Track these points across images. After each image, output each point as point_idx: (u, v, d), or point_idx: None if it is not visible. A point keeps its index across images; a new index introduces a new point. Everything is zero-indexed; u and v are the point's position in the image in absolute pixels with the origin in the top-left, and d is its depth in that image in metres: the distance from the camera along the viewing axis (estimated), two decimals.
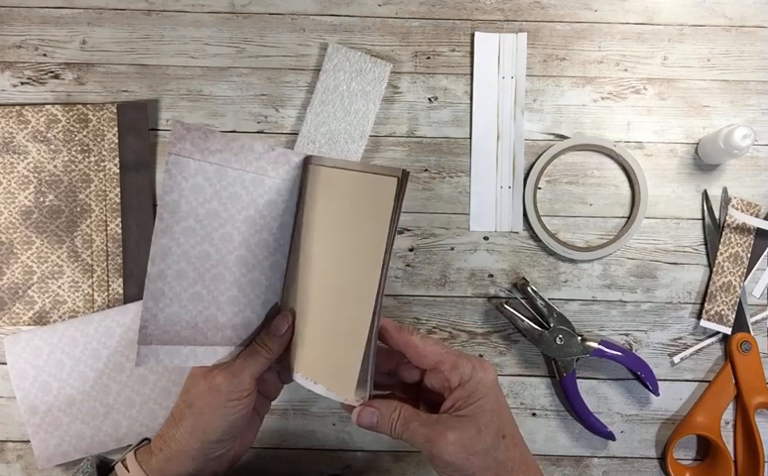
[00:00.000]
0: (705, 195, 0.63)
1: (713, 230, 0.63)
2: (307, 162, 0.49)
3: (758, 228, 0.62)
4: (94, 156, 0.62)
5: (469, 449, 0.42)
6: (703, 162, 0.63)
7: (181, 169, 0.44)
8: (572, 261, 0.63)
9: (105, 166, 0.62)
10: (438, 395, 0.46)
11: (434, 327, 0.63)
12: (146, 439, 0.50)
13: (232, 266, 0.48)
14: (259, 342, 0.48)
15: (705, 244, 0.63)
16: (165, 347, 0.45)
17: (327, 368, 0.47)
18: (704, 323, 0.62)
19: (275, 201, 0.48)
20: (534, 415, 0.63)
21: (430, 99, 0.64)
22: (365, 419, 0.44)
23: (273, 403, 0.52)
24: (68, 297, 0.62)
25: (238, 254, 0.48)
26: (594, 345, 0.60)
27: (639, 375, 0.61)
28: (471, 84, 0.64)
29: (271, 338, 0.48)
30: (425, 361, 0.45)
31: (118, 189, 0.62)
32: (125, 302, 0.62)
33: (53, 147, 0.62)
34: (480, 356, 0.63)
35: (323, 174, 0.47)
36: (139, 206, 0.63)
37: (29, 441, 0.60)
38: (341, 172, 0.46)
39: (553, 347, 0.61)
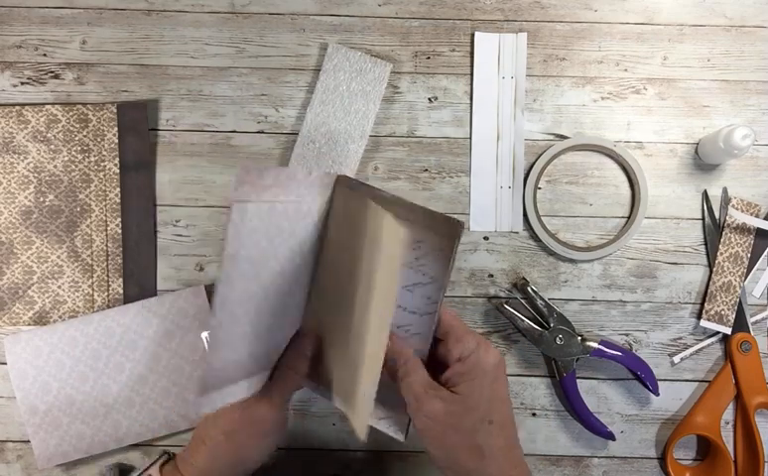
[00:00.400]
0: (705, 195, 0.63)
1: (713, 230, 0.63)
2: (337, 181, 0.49)
3: (758, 228, 0.62)
4: (94, 156, 0.62)
5: (450, 424, 0.43)
6: (703, 162, 0.63)
7: (242, 215, 0.43)
8: (572, 261, 0.63)
9: (105, 166, 0.62)
10: (443, 365, 0.46)
11: None
12: (165, 453, 0.51)
13: (271, 296, 0.47)
14: (290, 365, 0.48)
15: (705, 244, 0.63)
16: (218, 391, 0.45)
17: (347, 392, 0.47)
18: (703, 323, 0.62)
19: (308, 225, 0.48)
20: (534, 415, 0.63)
21: (430, 99, 0.64)
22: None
23: None
24: (68, 297, 0.62)
25: (277, 284, 0.48)
26: (594, 345, 0.60)
27: (639, 375, 0.61)
28: (471, 84, 0.64)
29: (299, 359, 0.48)
30: (439, 327, 0.45)
31: (118, 189, 0.62)
32: (125, 302, 0.62)
33: (53, 147, 0.62)
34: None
35: (372, 208, 0.45)
36: (139, 206, 0.63)
37: (29, 441, 0.60)
38: (394, 207, 0.45)
39: (553, 347, 0.61)
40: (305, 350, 0.48)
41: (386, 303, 0.42)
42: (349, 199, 0.48)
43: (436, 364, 0.47)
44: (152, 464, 0.50)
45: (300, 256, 0.49)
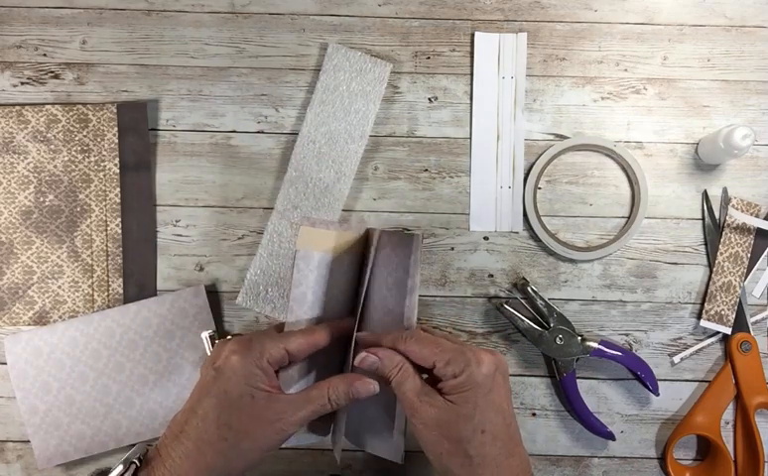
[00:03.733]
0: (705, 195, 0.63)
1: (713, 230, 0.63)
2: (370, 230, 0.52)
3: (758, 228, 0.62)
4: (94, 156, 0.62)
5: (443, 432, 0.43)
6: (703, 162, 0.63)
7: (307, 262, 0.47)
8: (572, 261, 0.63)
9: (105, 166, 0.62)
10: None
11: (434, 327, 0.63)
12: (131, 462, 0.45)
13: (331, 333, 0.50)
14: (333, 400, 0.46)
15: (705, 244, 0.63)
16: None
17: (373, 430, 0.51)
18: (703, 323, 0.62)
19: (348, 270, 0.51)
20: (534, 415, 0.63)
21: (430, 99, 0.64)
22: (366, 364, 0.45)
23: None
24: (68, 297, 0.62)
25: (334, 322, 0.50)
26: (594, 345, 0.60)
27: (639, 375, 0.61)
28: (471, 84, 0.64)
29: (347, 398, 0.46)
30: (422, 363, 0.45)
31: (118, 189, 0.62)
32: (125, 302, 0.62)
33: (53, 147, 0.62)
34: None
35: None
36: (139, 206, 0.63)
37: (29, 441, 0.60)
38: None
39: (553, 347, 0.61)
40: (358, 393, 0.46)
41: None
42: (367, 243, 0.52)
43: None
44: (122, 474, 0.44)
45: (352, 290, 0.52)
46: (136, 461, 0.44)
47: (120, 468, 0.44)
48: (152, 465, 0.44)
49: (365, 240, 0.52)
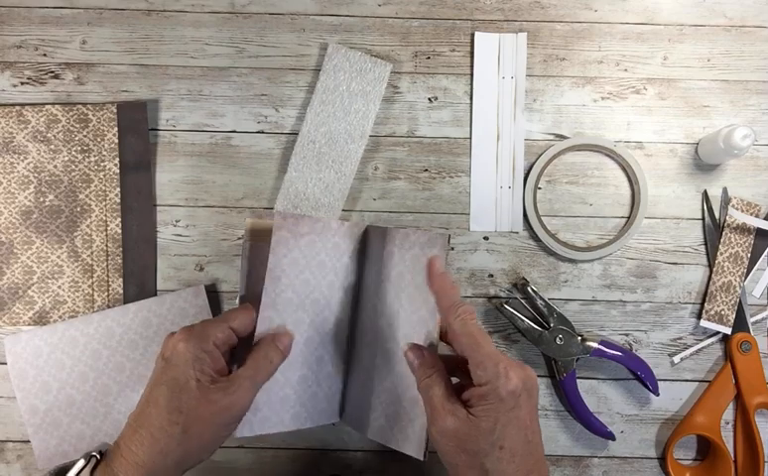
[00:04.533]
0: (705, 195, 0.63)
1: (713, 230, 0.63)
2: (368, 228, 0.54)
3: (758, 228, 0.62)
4: (94, 156, 0.62)
5: (460, 443, 0.43)
6: (703, 162, 0.63)
7: (282, 247, 0.48)
8: (572, 261, 0.63)
9: (105, 166, 0.62)
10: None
11: None
12: (92, 456, 0.46)
13: (319, 327, 0.52)
14: (263, 357, 0.47)
15: (705, 244, 0.63)
16: (254, 414, 0.48)
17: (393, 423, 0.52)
18: (703, 323, 0.62)
19: (346, 264, 0.53)
20: None
21: (430, 99, 0.64)
22: (410, 358, 0.47)
23: None
24: (68, 297, 0.62)
25: (324, 316, 0.52)
26: (594, 345, 0.60)
27: (639, 375, 0.61)
28: (471, 84, 0.64)
29: (277, 354, 0.48)
30: (460, 352, 0.45)
31: (118, 189, 0.62)
32: (125, 302, 0.62)
33: (53, 147, 0.62)
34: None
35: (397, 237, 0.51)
36: (139, 206, 0.63)
37: (29, 441, 0.60)
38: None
39: (553, 347, 0.61)
40: (282, 343, 0.48)
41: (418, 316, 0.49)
42: (375, 240, 0.53)
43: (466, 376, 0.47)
44: (79, 472, 0.45)
45: (342, 291, 0.53)
46: (96, 455, 0.46)
47: (81, 462, 0.46)
48: (111, 457, 0.45)
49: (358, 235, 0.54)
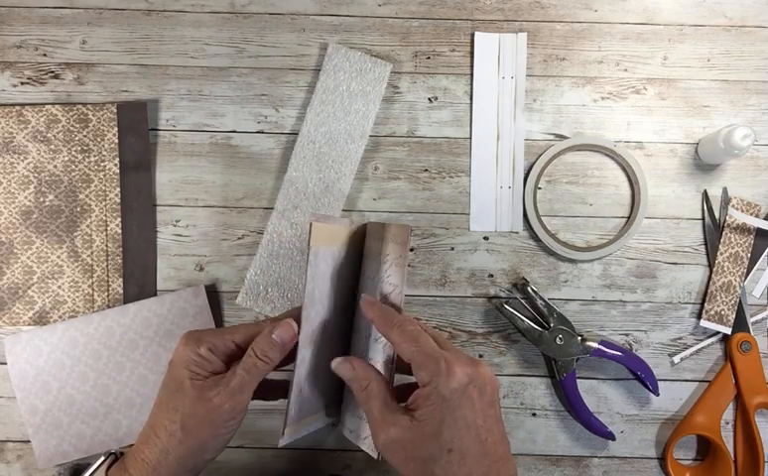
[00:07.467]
0: (705, 195, 0.63)
1: (713, 230, 0.63)
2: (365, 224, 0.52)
3: (758, 228, 0.62)
4: (94, 156, 0.62)
5: (407, 453, 0.41)
6: (703, 162, 0.63)
7: (318, 259, 0.47)
8: (572, 261, 0.63)
9: (105, 166, 0.62)
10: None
11: (434, 328, 0.63)
12: (111, 453, 0.48)
13: (332, 331, 0.50)
14: (260, 355, 0.45)
15: (705, 244, 0.63)
16: (296, 423, 0.47)
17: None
18: (703, 323, 0.62)
19: (344, 264, 0.51)
20: (534, 415, 0.63)
21: (430, 99, 0.64)
22: (341, 373, 0.46)
23: (273, 403, 0.52)
24: (68, 297, 0.62)
25: (339, 322, 0.51)
26: (594, 345, 0.60)
27: (639, 375, 0.61)
28: (471, 84, 0.64)
29: (273, 348, 0.46)
30: (401, 356, 0.44)
31: (118, 189, 0.62)
32: (125, 302, 0.62)
33: (53, 147, 0.62)
34: (480, 356, 0.63)
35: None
36: (139, 206, 0.63)
37: (29, 441, 0.60)
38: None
39: (553, 347, 0.61)
40: (282, 339, 0.46)
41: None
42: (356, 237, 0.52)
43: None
44: (97, 467, 0.47)
45: (348, 295, 0.52)
46: (116, 452, 0.49)
47: (102, 458, 0.49)
48: (126, 456, 0.47)
49: (363, 234, 0.52)
